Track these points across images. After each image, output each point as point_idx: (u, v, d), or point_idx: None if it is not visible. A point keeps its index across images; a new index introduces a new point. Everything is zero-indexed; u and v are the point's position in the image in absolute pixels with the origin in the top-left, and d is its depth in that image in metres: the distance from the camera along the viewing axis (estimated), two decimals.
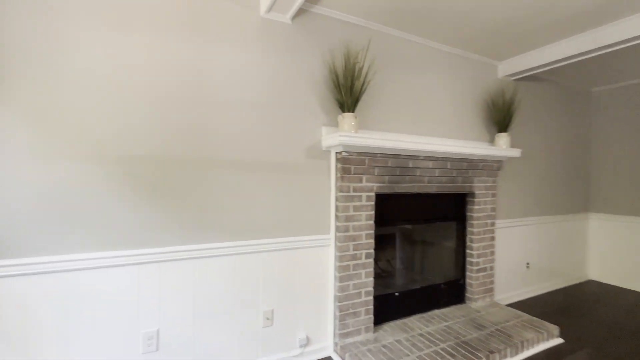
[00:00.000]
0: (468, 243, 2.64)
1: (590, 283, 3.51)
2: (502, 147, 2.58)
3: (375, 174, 2.09)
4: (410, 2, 1.89)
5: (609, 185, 3.52)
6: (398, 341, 2.03)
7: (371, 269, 2.10)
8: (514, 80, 2.94)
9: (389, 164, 2.12)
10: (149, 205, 1.55)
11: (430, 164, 2.30)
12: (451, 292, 2.60)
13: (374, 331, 2.14)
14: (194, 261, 1.67)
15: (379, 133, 2.18)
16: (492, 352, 1.93)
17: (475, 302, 2.61)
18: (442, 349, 1.94)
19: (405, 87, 2.32)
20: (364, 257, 2.07)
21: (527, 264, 3.10)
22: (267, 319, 1.84)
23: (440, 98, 2.49)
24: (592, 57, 2.43)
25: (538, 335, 2.15)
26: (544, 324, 2.30)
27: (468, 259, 2.64)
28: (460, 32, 2.25)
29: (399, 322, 2.30)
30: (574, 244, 3.49)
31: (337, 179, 2.02)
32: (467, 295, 2.64)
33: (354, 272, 2.03)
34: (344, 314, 1.99)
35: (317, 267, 1.99)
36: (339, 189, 1.99)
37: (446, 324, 2.28)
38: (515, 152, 2.57)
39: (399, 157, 2.15)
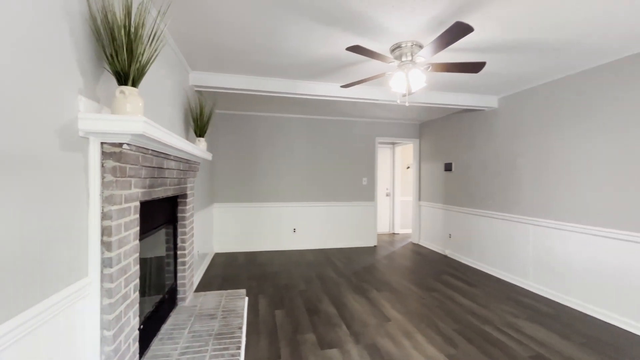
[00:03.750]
0: (180, 244, 2.63)
1: (218, 255, 4.72)
2: (203, 150, 2.87)
3: (143, 176, 1.57)
4: None
5: (224, 182, 4.94)
6: None
7: (137, 305, 1.55)
8: (198, 90, 3.28)
9: (154, 164, 1.68)
10: None
11: (173, 164, 2.07)
12: (170, 300, 2.46)
13: None
14: None
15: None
16: (239, 327, 2.27)
17: (187, 299, 2.68)
18: (213, 350, 1.96)
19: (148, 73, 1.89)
20: (132, 291, 1.49)
21: (198, 251, 3.60)
22: None
23: (163, 93, 2.26)
24: (243, 93, 3.45)
25: (243, 300, 2.78)
26: (238, 291, 2.98)
27: (180, 259, 2.63)
28: (179, 26, 2.24)
29: (147, 357, 1.85)
30: (208, 227, 4.50)
31: (104, 184, 1.27)
32: (179, 296, 2.63)
33: (125, 318, 1.41)
34: None
35: (65, 350, 1.14)
36: (109, 201, 1.28)
37: (187, 332, 2.20)
38: (209, 156, 2.98)
39: (159, 156, 1.76)
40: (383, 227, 6.80)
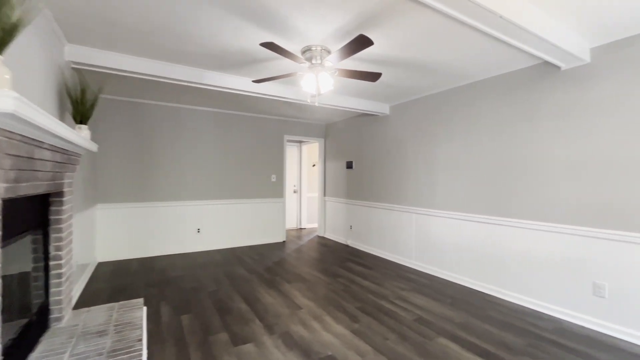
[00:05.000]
0: (54, 253, 2.16)
1: (102, 265, 4.02)
2: (87, 139, 2.42)
3: (7, 167, 1.24)
4: None
5: (111, 180, 4.24)
6: None
7: (0, 329, 1.23)
8: (76, 68, 2.73)
9: (22, 152, 1.35)
10: None
11: (47, 154, 1.70)
12: (39, 322, 2.00)
13: None
14: None
15: None
16: (138, 339, 2.02)
17: (64, 319, 2.22)
18: None
19: None
20: None
21: (76, 262, 3.01)
22: None
23: (26, 65, 1.82)
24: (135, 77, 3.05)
25: (140, 310, 2.48)
26: (133, 301, 2.64)
27: (54, 271, 2.16)
28: None
29: None
30: (89, 232, 3.80)
31: None
32: (53, 316, 2.16)
33: None
34: None
35: None
36: None
37: (68, 355, 1.84)
38: (94, 147, 2.54)
39: (30, 143, 1.42)
40: (291, 223, 6.99)
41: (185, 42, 2.47)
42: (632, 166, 2.27)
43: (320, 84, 2.59)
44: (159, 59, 2.82)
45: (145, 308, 2.66)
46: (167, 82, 3.32)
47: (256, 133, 5.38)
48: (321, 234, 6.13)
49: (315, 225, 7.20)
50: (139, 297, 2.98)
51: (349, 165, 5.37)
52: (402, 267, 4.05)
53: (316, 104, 2.76)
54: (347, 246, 5.25)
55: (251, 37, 2.38)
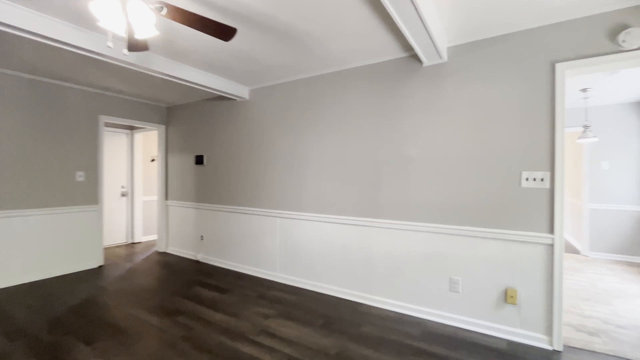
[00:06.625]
0: None
1: None
2: None
3: None
4: None
5: None
6: None
7: None
8: None
9: None
10: None
11: None
12: None
13: None
14: None
15: None
16: None
17: None
18: None
19: None
20: None
21: None
22: None
23: None
24: None
25: None
26: None
27: None
28: None
29: None
30: None
31: None
32: None
33: None
34: None
35: None
36: None
37: None
38: None
39: None
40: (118, 237, 5.17)
41: None
42: (480, 165, 2.38)
43: (132, 20, 1.55)
44: None
45: None
46: None
47: (47, 108, 3.50)
48: (162, 249, 4.74)
49: (154, 237, 5.62)
50: None
51: (199, 161, 4.29)
52: (265, 283, 3.38)
53: (125, 53, 1.68)
54: (197, 262, 4.16)
55: None
